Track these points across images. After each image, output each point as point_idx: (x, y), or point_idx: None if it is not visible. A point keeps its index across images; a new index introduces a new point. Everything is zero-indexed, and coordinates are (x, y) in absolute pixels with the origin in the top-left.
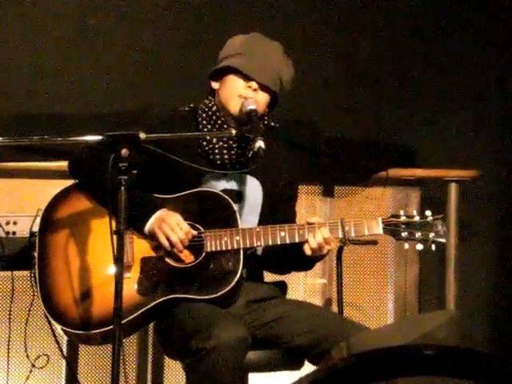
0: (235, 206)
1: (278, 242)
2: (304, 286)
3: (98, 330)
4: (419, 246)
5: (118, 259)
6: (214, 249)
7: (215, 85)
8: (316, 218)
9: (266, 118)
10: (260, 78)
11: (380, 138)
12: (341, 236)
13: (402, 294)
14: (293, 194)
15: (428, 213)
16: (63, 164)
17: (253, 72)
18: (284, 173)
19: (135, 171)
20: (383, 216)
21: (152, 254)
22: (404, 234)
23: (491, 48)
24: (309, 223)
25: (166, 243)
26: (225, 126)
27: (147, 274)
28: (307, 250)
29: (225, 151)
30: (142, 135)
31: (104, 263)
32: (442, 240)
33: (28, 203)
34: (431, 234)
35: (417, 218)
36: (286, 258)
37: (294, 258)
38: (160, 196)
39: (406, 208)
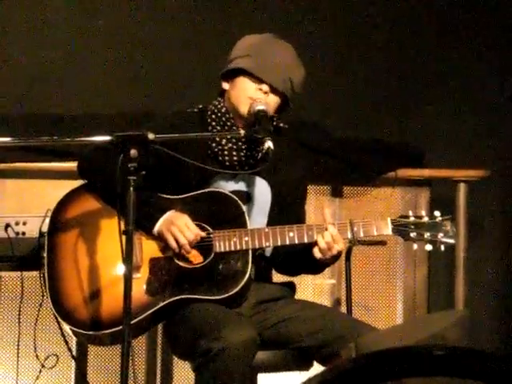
0: (244, 207)
1: (287, 243)
2: (313, 287)
3: (107, 331)
4: (428, 247)
5: (127, 260)
6: (222, 249)
7: (226, 85)
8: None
9: (275, 119)
10: (271, 81)
11: (389, 138)
12: (350, 237)
13: (411, 295)
14: (302, 194)
15: (437, 213)
16: (72, 164)
17: (264, 75)
18: (293, 173)
19: (143, 172)
20: (392, 216)
21: (161, 254)
22: (413, 235)
23: (496, 48)
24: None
25: (174, 245)
26: (234, 128)
27: (156, 274)
28: (316, 253)
29: (234, 152)
30: (151, 136)
31: (113, 263)
32: (451, 241)
33: (37, 204)
34: (440, 235)
35: (426, 219)
36: (296, 260)
37: (304, 260)
38: (169, 197)
39: (415, 208)
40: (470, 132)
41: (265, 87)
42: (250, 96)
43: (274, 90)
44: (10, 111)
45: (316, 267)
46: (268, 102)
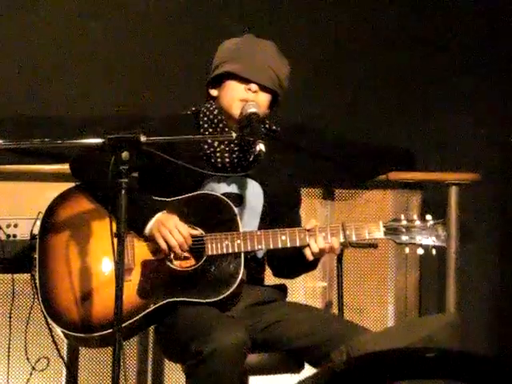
0: (236, 210)
1: (279, 246)
2: (304, 289)
3: (98, 333)
4: (420, 251)
5: (119, 262)
6: (215, 252)
7: (214, 92)
8: (313, 221)
9: (267, 121)
10: (259, 79)
11: (380, 140)
12: (342, 240)
13: (403, 297)
14: (297, 199)
15: (429, 217)
16: (64, 167)
17: (251, 74)
18: (286, 176)
19: (136, 174)
20: (384, 219)
21: (153, 256)
22: (405, 238)
23: (491, 49)
24: (308, 230)
25: (164, 247)
26: (226, 129)
27: (148, 277)
28: (309, 256)
29: (226, 154)
30: (143, 138)
31: (105, 265)
32: (443, 244)
33: (29, 206)
34: (432, 239)
35: (418, 223)
36: (292, 263)
37: (299, 262)
38: (161, 199)
39: (407, 211)
40: (461, 135)
41: (254, 86)
42: (240, 98)
43: (262, 88)
44: (1, 113)
45: (310, 266)
46: (259, 100)
